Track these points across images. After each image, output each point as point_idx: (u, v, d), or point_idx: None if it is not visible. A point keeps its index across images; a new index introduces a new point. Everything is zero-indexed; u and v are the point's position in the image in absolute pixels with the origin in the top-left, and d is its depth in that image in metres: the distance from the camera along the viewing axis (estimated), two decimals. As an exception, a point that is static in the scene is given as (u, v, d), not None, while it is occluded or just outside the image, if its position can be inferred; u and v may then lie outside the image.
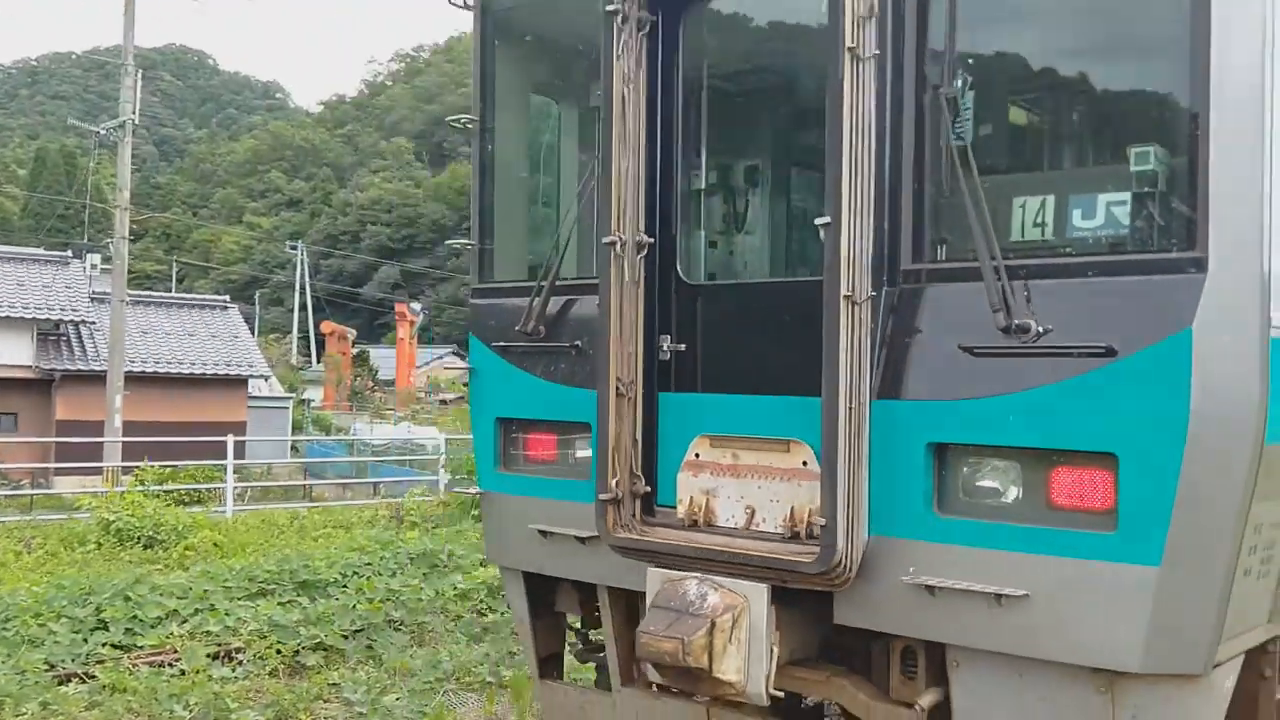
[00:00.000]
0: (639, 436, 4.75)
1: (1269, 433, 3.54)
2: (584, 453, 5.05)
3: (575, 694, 5.55)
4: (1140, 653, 3.57)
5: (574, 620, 5.67)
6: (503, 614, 9.69)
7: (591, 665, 5.71)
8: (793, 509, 4.26)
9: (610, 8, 4.55)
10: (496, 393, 5.38)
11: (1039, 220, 4.08)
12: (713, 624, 4.10)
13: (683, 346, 4.85)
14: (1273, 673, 4.28)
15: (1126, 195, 3.83)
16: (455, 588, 10.67)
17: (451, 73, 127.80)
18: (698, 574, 4.33)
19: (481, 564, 11.01)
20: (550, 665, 5.66)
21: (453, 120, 5.79)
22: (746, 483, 4.45)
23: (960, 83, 4.05)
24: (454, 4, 5.49)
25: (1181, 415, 3.43)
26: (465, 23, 5.75)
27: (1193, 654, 3.61)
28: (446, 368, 56.48)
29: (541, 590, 5.49)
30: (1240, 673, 3.96)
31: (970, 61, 4.14)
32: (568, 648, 5.79)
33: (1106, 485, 3.63)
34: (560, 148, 5.94)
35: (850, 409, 3.97)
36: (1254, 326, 3.50)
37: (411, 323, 65.90)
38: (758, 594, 4.21)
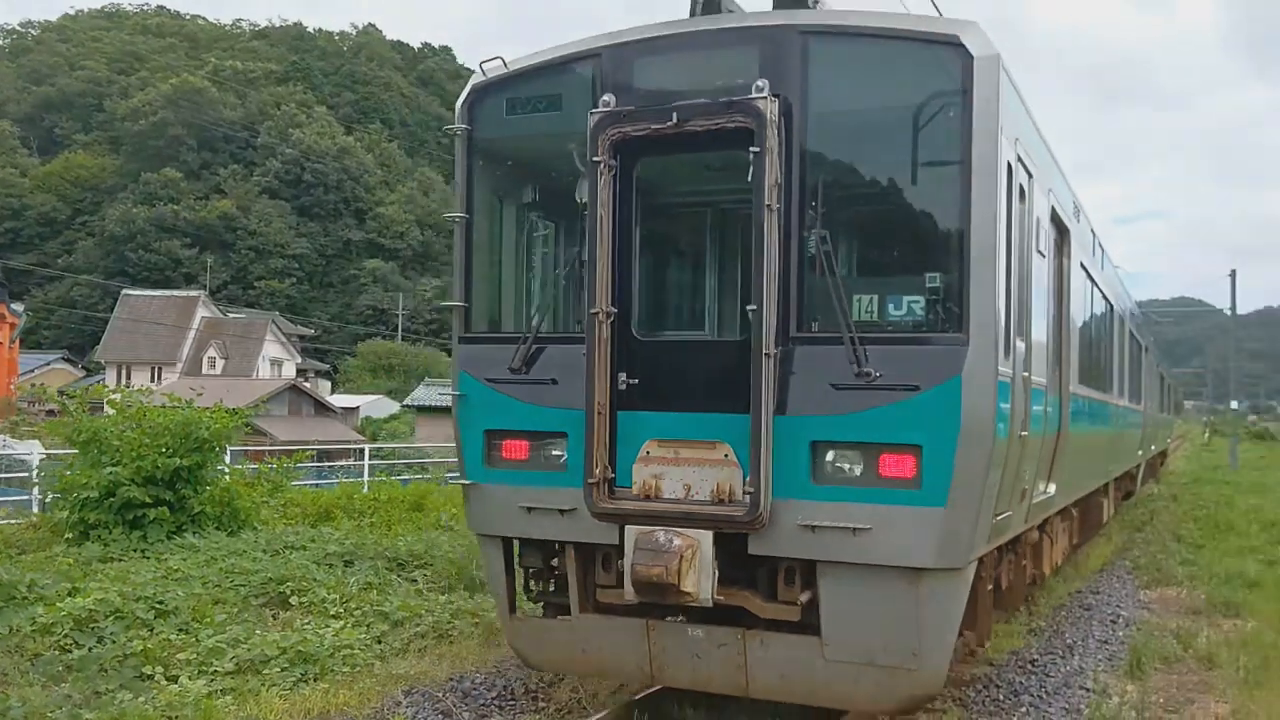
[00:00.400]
0: (608, 441, 6.88)
1: (997, 431, 6.42)
2: (558, 452, 7.09)
3: (538, 623, 7.63)
4: (934, 556, 6.28)
5: (531, 573, 7.68)
6: (91, 649, 8.33)
7: (540, 605, 7.78)
8: (718, 484, 6.66)
9: (595, 159, 6.81)
10: (485, 412, 7.38)
11: (868, 311, 6.79)
12: (681, 557, 6.40)
13: (635, 381, 6.95)
14: (985, 569, 7.53)
15: (923, 300, 6.68)
16: (35, 621, 8.69)
17: (66, 54, 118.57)
18: (662, 528, 6.60)
19: (70, 593, 9.50)
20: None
21: (447, 216, 7.97)
22: (685, 469, 6.78)
23: (824, 229, 6.57)
24: (447, 129, 7.71)
25: (956, 423, 6.19)
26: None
27: (960, 556, 6.41)
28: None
29: (509, 553, 7.59)
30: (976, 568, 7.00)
31: (830, 217, 6.72)
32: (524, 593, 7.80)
33: (914, 463, 6.30)
34: (519, 239, 8.21)
35: (765, 421, 6.39)
36: (991, 376, 6.34)
37: (12, 325, 60.24)
38: (705, 538, 6.54)
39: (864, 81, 6.93)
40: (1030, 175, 7.61)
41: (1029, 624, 11.38)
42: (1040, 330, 8.17)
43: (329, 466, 27.97)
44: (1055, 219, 9.09)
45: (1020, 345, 7.20)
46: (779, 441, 6.48)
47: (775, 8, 7.29)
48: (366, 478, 22.50)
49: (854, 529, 6.36)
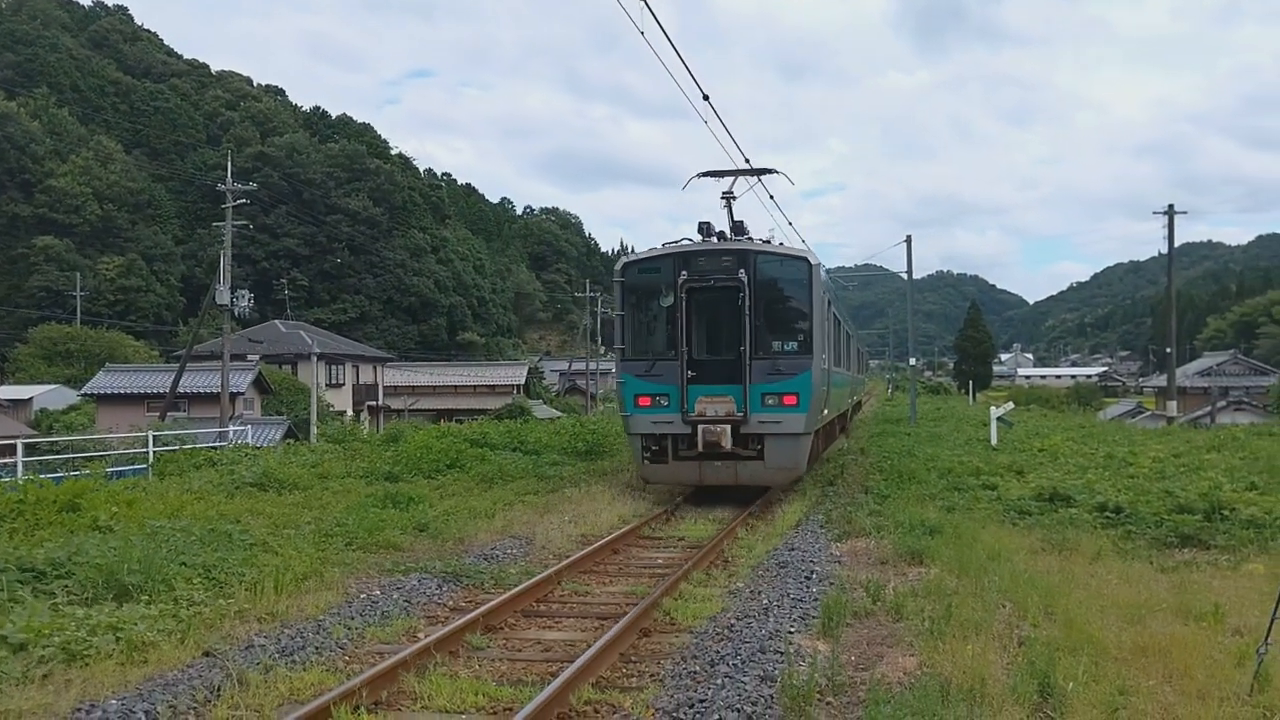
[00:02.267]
0: (684, 397, 17.44)
1: (817, 387, 17.84)
2: (665, 402, 17.59)
3: (651, 466, 18.03)
4: (802, 429, 17.50)
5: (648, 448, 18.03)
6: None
7: (649, 459, 18.08)
8: (728, 411, 17.34)
9: (680, 295, 17.51)
10: (634, 387, 17.78)
11: (780, 346, 17.61)
12: (721, 434, 17.13)
13: (693, 374, 17.48)
14: (815, 437, 19.37)
15: (795, 342, 17.65)
16: None
17: None
18: (712, 425, 17.20)
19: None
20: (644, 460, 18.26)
21: (613, 313, 19.15)
22: (715, 407, 17.40)
23: (760, 317, 17.44)
24: (614, 279, 18.59)
25: (808, 385, 17.44)
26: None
27: (809, 430, 17.97)
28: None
29: (642, 441, 17.95)
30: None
31: (764, 312, 17.60)
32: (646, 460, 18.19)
33: (796, 399, 17.33)
34: (639, 319, 18.49)
35: (746, 385, 17.29)
36: (818, 368, 17.79)
37: None
38: (727, 428, 17.18)
39: (773, 269, 17.80)
40: (826, 296, 19.08)
41: (728, 585, 11.34)
42: (827, 346, 19.34)
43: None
44: (833, 306, 21.51)
45: (824, 355, 18.49)
46: (750, 394, 17.24)
47: (732, 236, 19.06)
48: (20, 476, 19.99)
49: (777, 422, 17.26)
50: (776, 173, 21.65)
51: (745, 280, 17.11)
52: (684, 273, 17.38)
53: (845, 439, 31.09)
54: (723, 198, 19.86)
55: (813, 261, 17.89)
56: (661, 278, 17.77)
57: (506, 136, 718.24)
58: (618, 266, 18.53)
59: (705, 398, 17.26)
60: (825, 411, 20.19)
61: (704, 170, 20.53)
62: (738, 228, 19.38)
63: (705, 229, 18.60)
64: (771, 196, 26.58)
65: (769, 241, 18.86)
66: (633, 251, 19.70)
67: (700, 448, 17.13)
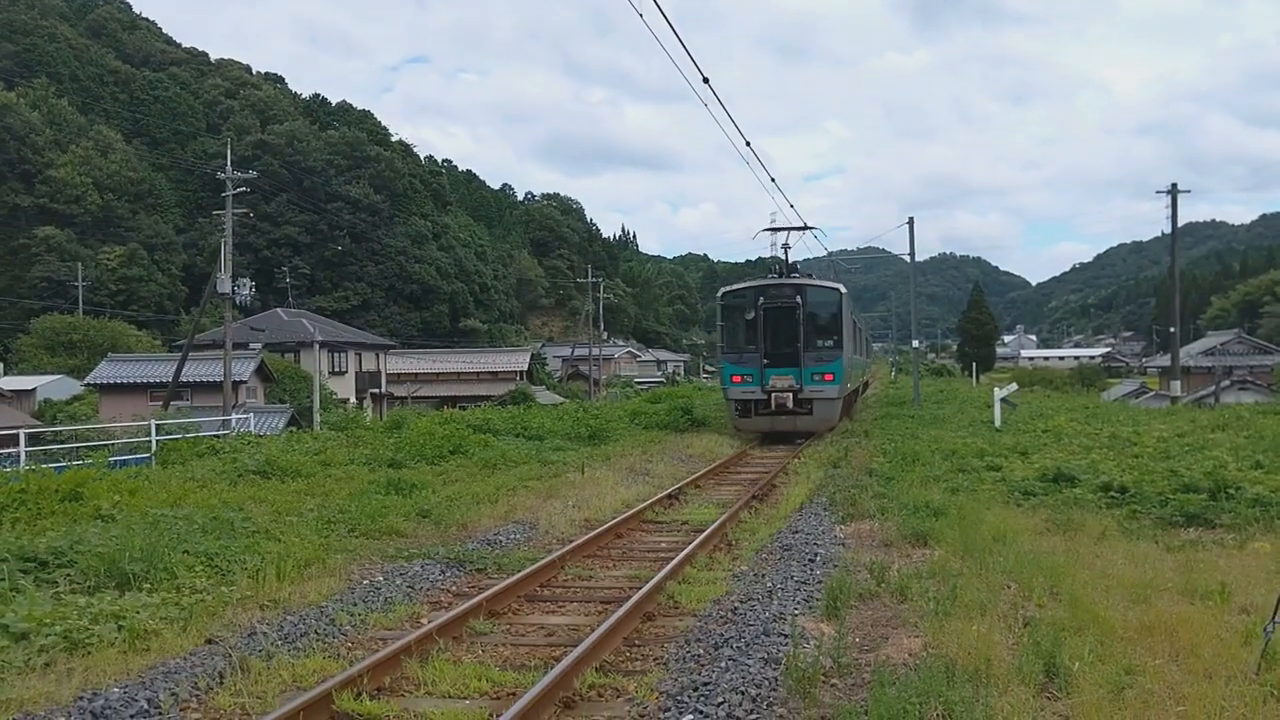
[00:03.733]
0: (763, 376, 28.22)
1: (847, 369, 30.43)
2: (751, 380, 28.27)
3: (743, 418, 29.07)
4: (837, 395, 29.00)
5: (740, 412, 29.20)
6: None
7: (739, 414, 29.22)
8: (789, 385, 27.99)
9: (760, 310, 28.42)
10: (730, 370, 29.01)
11: (822, 343, 28.63)
12: (786, 398, 28.00)
13: (768, 360, 28.22)
14: (844, 401, 31.93)
15: (832, 341, 28.88)
16: None
17: None
18: (780, 393, 28.02)
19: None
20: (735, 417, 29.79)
21: (717, 327, 32.20)
22: (783, 381, 28.07)
23: (810, 325, 28.65)
24: (717, 301, 30.73)
25: (840, 369, 28.66)
26: None
27: (841, 395, 29.87)
28: None
29: (736, 405, 29.13)
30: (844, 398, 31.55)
31: (811, 324, 28.62)
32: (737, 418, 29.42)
33: (832, 376, 28.27)
34: (732, 327, 29.53)
35: (802, 370, 28.10)
36: (846, 357, 29.42)
37: None
38: (790, 394, 27.97)
39: (817, 296, 29.02)
40: (849, 311, 31.03)
41: (732, 569, 11.31)
42: (849, 343, 30.28)
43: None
44: (853, 315, 34.02)
45: (848, 349, 30.17)
46: (804, 374, 27.95)
47: (783, 276, 30.89)
48: (23, 466, 19.99)
49: (820, 391, 28.21)
50: (817, 229, 39.31)
51: (800, 303, 28.36)
52: (761, 298, 28.61)
53: (850, 421, 34.63)
54: (782, 247, 35.03)
55: (842, 291, 30.01)
56: (747, 301, 28.89)
57: (504, 122, 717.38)
58: (719, 294, 30.71)
59: (775, 376, 28.04)
60: (849, 385, 33.04)
61: (766, 227, 41.72)
62: (792, 267, 32.31)
63: (779, 269, 32.35)
64: (822, 250, 41.05)
65: (811, 276, 32.54)
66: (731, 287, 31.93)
67: (773, 408, 28.14)
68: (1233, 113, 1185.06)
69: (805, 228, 34.50)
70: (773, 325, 27.95)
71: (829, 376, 27.80)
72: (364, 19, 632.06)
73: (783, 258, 33.23)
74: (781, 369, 27.68)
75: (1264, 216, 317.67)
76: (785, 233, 34.22)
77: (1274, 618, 6.97)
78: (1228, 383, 64.79)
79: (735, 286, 30.22)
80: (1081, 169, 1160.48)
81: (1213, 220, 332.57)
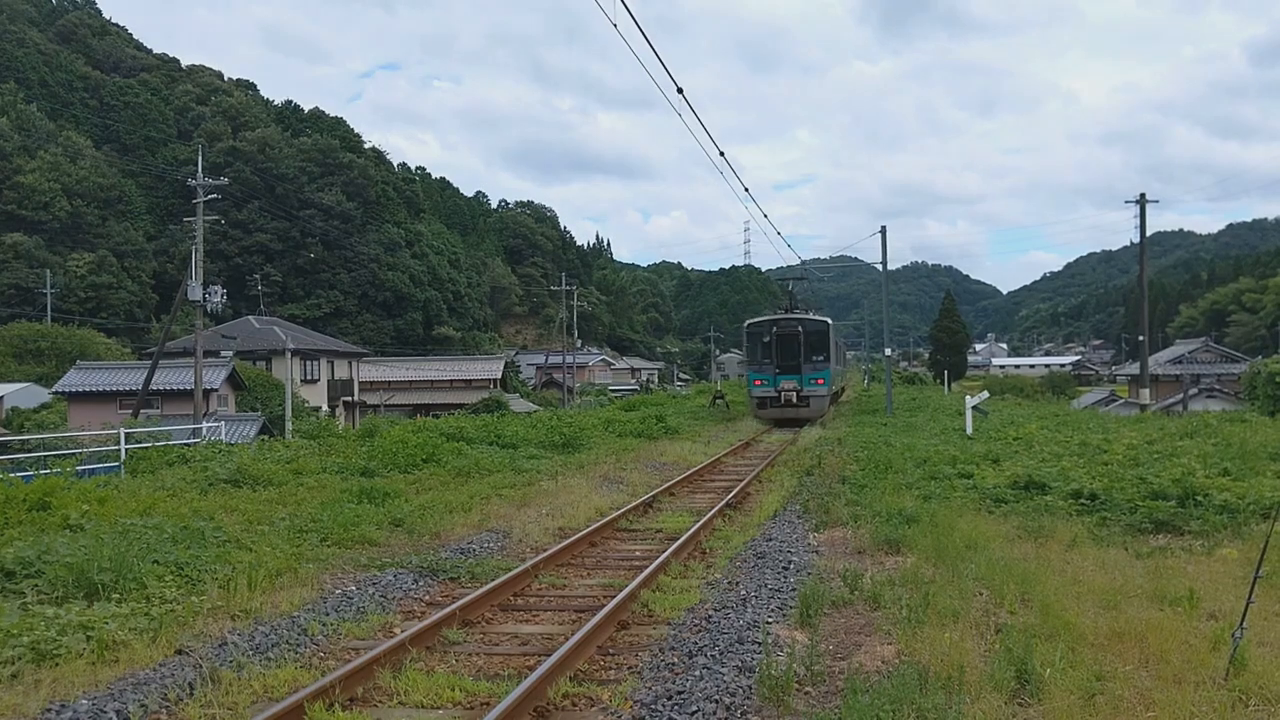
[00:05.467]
0: (775, 381, 39.44)
1: (834, 377, 43.79)
2: (767, 384, 39.62)
3: (760, 409, 40.19)
4: (826, 393, 40.36)
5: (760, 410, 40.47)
6: None
7: (759, 406, 40.47)
8: (794, 386, 39.26)
9: (774, 335, 40.13)
10: (752, 376, 40.56)
11: (815, 359, 39.98)
12: (791, 395, 39.24)
13: (778, 369, 39.66)
14: (831, 398, 44.13)
15: (824, 355, 40.22)
16: None
17: None
18: (787, 392, 39.32)
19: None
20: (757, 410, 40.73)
21: (743, 345, 45.05)
22: (789, 383, 39.34)
23: (807, 345, 41.22)
24: (745, 329, 42.96)
25: (829, 375, 40.52)
26: None
27: (830, 393, 41.67)
28: None
29: (756, 401, 40.53)
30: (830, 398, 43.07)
31: (808, 345, 40.22)
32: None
33: (823, 381, 39.74)
34: (753, 347, 41.18)
35: (802, 375, 39.48)
36: (833, 368, 42.64)
37: None
38: (794, 393, 39.26)
39: (813, 326, 40.65)
40: (835, 335, 43.16)
41: (706, 577, 11.31)
42: (834, 359, 42.23)
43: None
44: (837, 338, 46.03)
45: (834, 363, 42.11)
46: (804, 380, 39.21)
47: (789, 311, 44.43)
48: (-10, 476, 19.66)
49: (815, 391, 39.41)
50: (809, 278, 58.35)
51: (801, 331, 39.73)
52: (775, 327, 40.04)
53: (823, 429, 37.91)
54: (787, 293, 49.56)
55: (830, 322, 42.19)
56: (764, 329, 40.29)
57: (474, 128, 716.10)
58: (745, 324, 42.93)
59: (784, 380, 39.12)
60: (834, 386, 44.04)
61: (778, 278, 60.39)
62: (795, 304, 46.15)
63: (785, 306, 45.94)
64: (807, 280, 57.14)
65: (808, 311, 45.41)
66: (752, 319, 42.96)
67: (782, 402, 39.11)
68: (1198, 123, 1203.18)
69: (801, 277, 56.67)
70: (782, 346, 39.91)
71: (820, 381, 39.64)
72: (332, 26, 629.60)
73: (788, 303, 46.93)
74: (788, 375, 39.37)
75: (1230, 226, 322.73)
76: (789, 281, 54.02)
77: (1242, 623, 7.05)
78: (1195, 390, 65.46)
79: (756, 320, 42.62)
80: (1049, 178, 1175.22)
81: (1180, 230, 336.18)
